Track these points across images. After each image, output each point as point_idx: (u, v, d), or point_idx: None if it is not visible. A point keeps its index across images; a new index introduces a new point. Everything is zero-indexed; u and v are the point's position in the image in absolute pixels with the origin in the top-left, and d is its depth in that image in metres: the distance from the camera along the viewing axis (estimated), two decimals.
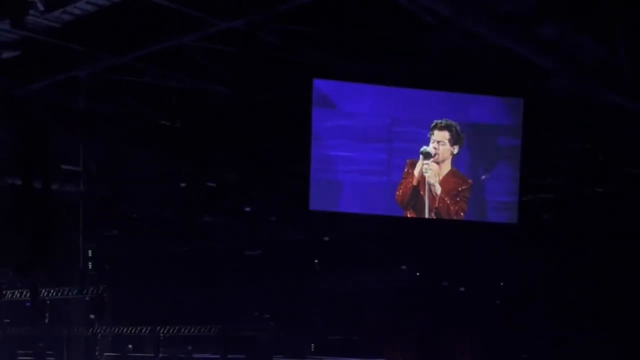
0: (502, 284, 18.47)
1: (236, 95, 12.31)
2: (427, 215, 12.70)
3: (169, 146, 13.39)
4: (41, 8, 9.52)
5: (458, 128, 12.53)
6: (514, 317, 18.31)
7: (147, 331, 22.65)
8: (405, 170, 12.67)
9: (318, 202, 12.48)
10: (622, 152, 13.12)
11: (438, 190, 12.68)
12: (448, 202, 12.70)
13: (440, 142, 12.54)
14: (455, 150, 12.58)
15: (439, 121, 12.51)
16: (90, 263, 19.87)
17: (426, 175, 12.67)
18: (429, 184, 12.67)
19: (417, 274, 19.35)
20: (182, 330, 22.36)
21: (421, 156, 12.60)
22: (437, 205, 12.68)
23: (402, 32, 10.47)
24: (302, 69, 11.37)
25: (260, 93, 12.24)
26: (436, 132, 12.51)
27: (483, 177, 12.75)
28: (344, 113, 12.31)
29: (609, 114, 11.81)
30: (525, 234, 14.65)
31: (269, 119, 13.08)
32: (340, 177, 12.55)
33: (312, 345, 22.11)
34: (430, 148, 12.55)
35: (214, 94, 12.35)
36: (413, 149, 12.59)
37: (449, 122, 12.52)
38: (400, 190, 12.67)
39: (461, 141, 12.55)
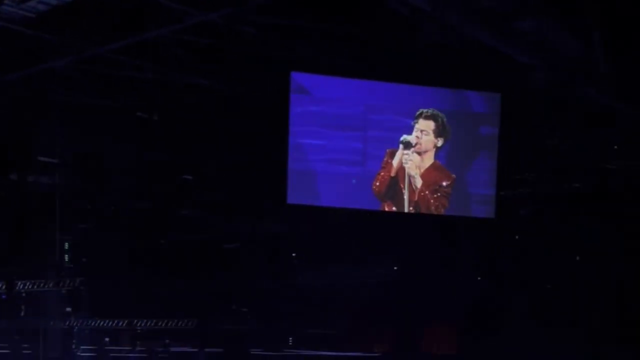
0: (479, 278, 18.52)
1: (213, 88, 12.26)
2: (406, 209, 12.29)
3: (146, 138, 13.33)
4: None
5: (444, 120, 12.11)
6: (490, 312, 18.35)
7: (124, 324, 22.50)
8: (385, 160, 12.21)
9: (296, 195, 12.11)
10: (598, 147, 13.19)
11: (419, 182, 12.24)
12: (428, 196, 12.31)
13: (423, 132, 12.10)
14: (440, 142, 12.16)
15: (425, 110, 12.09)
16: (66, 255, 19.77)
17: (406, 166, 12.20)
18: (409, 176, 12.23)
19: (395, 268, 19.35)
20: (160, 323, 22.22)
21: (401, 145, 12.11)
22: (416, 198, 12.27)
23: (381, 26, 10.46)
24: (280, 61, 11.33)
25: (237, 85, 12.19)
26: (421, 120, 12.06)
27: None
28: (316, 99, 11.88)
29: (586, 109, 11.87)
30: (503, 228, 14.71)
31: (247, 112, 13.04)
32: (312, 166, 12.11)
33: (290, 338, 22.06)
34: (411, 137, 12.07)
35: (191, 86, 12.30)
36: (393, 138, 12.13)
37: (435, 112, 12.10)
38: (378, 181, 12.22)
39: (447, 134, 12.15)
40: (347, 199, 12.33)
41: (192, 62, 11.52)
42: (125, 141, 13.55)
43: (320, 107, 11.88)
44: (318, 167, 12.08)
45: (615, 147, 13.02)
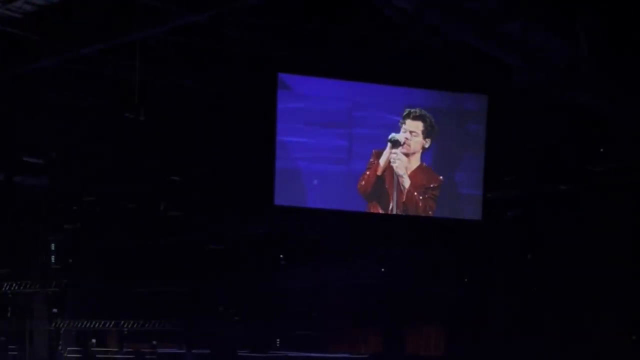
0: (465, 280, 18.56)
1: (200, 88, 12.26)
2: (394, 210, 12.00)
3: (133, 139, 13.32)
4: None
5: (432, 120, 11.82)
6: (478, 313, 18.41)
7: (111, 325, 22.50)
8: (371, 160, 11.90)
9: (283, 196, 11.79)
10: (584, 150, 13.24)
11: (407, 183, 11.92)
12: (417, 197, 12.02)
13: (413, 133, 11.82)
14: (427, 143, 11.87)
15: (413, 110, 11.77)
16: (53, 256, 19.74)
17: (394, 165, 11.88)
18: (397, 175, 11.92)
19: (382, 269, 19.40)
20: (147, 324, 22.23)
21: (389, 144, 11.81)
22: (404, 199, 11.98)
23: (367, 27, 10.48)
24: (267, 62, 11.33)
25: (224, 86, 12.19)
26: (409, 121, 11.77)
27: None
28: (300, 95, 11.52)
29: (572, 111, 11.90)
30: (489, 230, 14.74)
31: (234, 112, 13.04)
32: (296, 164, 11.75)
33: (278, 340, 22.08)
34: (400, 136, 11.78)
35: (178, 86, 12.29)
36: (379, 136, 11.81)
37: (424, 112, 11.79)
38: (364, 181, 11.91)
39: (434, 135, 11.86)
40: (333, 199, 12.03)
41: (178, 62, 11.52)
42: (112, 142, 13.53)
43: (304, 103, 11.56)
44: (302, 166, 11.77)
45: (601, 149, 13.08)
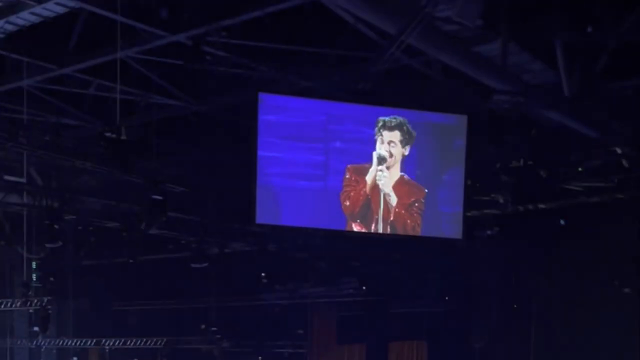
0: (447, 298, 18.61)
1: (181, 108, 12.30)
2: (380, 229, 11.60)
3: (114, 158, 13.30)
4: None
5: (409, 126, 11.43)
6: (458, 331, 18.46)
7: (93, 343, 22.43)
8: (347, 177, 11.42)
9: (264, 215, 11.50)
10: (563, 168, 13.33)
11: (394, 201, 11.56)
12: (404, 214, 11.63)
13: (391, 144, 11.41)
14: (406, 151, 11.51)
15: (387, 119, 11.36)
16: (34, 275, 19.68)
17: (380, 183, 11.46)
18: (384, 194, 11.54)
19: (364, 287, 19.42)
20: (128, 342, 22.18)
21: (375, 161, 11.38)
22: (392, 218, 11.62)
23: (347, 48, 10.56)
24: (248, 81, 11.37)
25: (205, 105, 12.23)
26: (385, 132, 11.36)
27: None
28: (273, 107, 11.08)
29: (550, 131, 11.99)
30: (469, 249, 14.80)
31: (215, 131, 13.07)
32: (271, 181, 11.31)
33: (260, 357, 22.05)
34: (383, 151, 11.35)
35: (160, 106, 12.33)
36: (353, 150, 11.37)
37: (399, 119, 11.38)
38: (348, 201, 11.47)
39: (412, 140, 11.46)
40: (312, 217, 11.68)
41: (159, 82, 11.56)
42: (93, 161, 13.53)
43: (277, 116, 11.15)
44: (276, 182, 11.37)
45: (580, 169, 13.18)
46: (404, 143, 11.46)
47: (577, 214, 14.66)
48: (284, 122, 11.16)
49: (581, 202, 14.06)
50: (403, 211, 11.65)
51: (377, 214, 11.63)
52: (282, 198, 11.45)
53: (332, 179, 11.48)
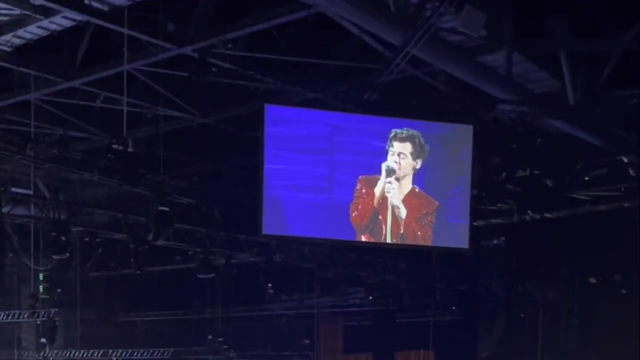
0: (453, 307, 18.61)
1: (188, 119, 12.35)
2: (389, 241, 11.41)
3: (121, 170, 13.36)
4: None
5: (421, 139, 11.21)
6: (465, 340, 18.45)
7: (100, 354, 22.43)
8: (358, 187, 11.21)
9: (271, 225, 11.26)
10: (568, 177, 13.34)
11: (403, 213, 11.29)
12: (415, 227, 11.38)
13: (401, 155, 11.17)
14: (418, 164, 11.26)
15: (399, 131, 11.15)
16: (41, 286, 19.71)
17: (388, 195, 11.19)
18: (393, 206, 11.28)
19: (370, 297, 19.42)
20: (135, 353, 22.17)
21: (384, 173, 11.14)
22: (402, 231, 11.36)
23: (352, 59, 10.60)
24: (254, 93, 11.42)
25: (211, 116, 12.28)
26: (396, 143, 11.14)
27: None
28: (278, 119, 10.89)
29: (555, 139, 12.01)
30: (476, 258, 14.80)
31: (222, 142, 13.12)
32: (275, 193, 11.08)
33: None
34: (392, 163, 11.11)
35: (166, 118, 12.39)
36: (361, 162, 11.14)
37: (411, 131, 11.16)
38: (356, 212, 11.22)
39: (424, 154, 11.23)
40: (316, 229, 11.48)
41: (166, 94, 11.61)
42: (100, 173, 13.58)
43: (282, 127, 10.94)
44: (281, 195, 11.14)
45: (586, 177, 13.19)
46: (414, 155, 11.26)
47: (583, 223, 14.65)
48: (288, 134, 10.99)
49: (587, 211, 14.06)
50: (413, 224, 11.42)
51: (386, 227, 11.39)
52: (287, 210, 11.25)
53: (339, 190, 11.27)
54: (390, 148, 11.16)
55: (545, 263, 16.89)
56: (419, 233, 11.51)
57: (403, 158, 11.21)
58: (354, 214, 11.30)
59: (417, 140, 11.21)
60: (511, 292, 17.77)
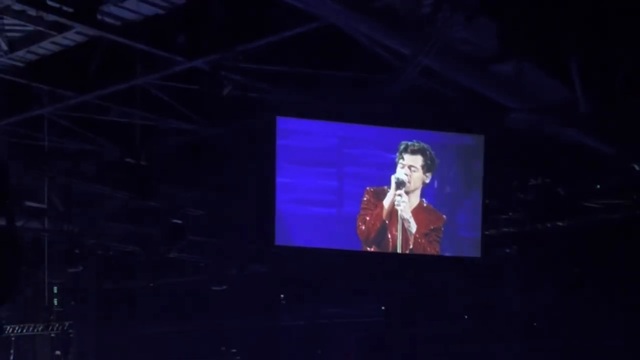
0: (465, 317, 18.58)
1: (200, 132, 12.40)
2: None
3: (134, 183, 13.44)
4: (5, 48, 9.63)
5: (432, 153, 11.10)
6: (479, 351, 18.40)
7: None
8: (366, 199, 11.02)
9: (283, 236, 11.20)
10: (580, 186, 13.33)
11: (413, 227, 11.07)
12: (424, 242, 11.16)
13: (412, 168, 11.02)
14: (428, 179, 11.12)
15: (410, 143, 11.05)
16: (55, 299, 19.81)
17: (399, 208, 10.98)
18: (403, 219, 11.05)
19: (383, 308, 19.42)
20: None
21: (393, 185, 10.97)
22: (411, 246, 11.14)
23: (362, 70, 10.62)
24: (265, 106, 11.45)
25: (223, 129, 12.32)
26: (407, 156, 11.01)
27: None
28: (286, 130, 10.88)
29: (567, 148, 12.01)
30: (489, 268, 14.76)
31: (233, 156, 13.16)
32: (282, 207, 10.93)
33: None
34: (402, 175, 10.94)
35: (178, 131, 12.44)
36: (371, 174, 10.97)
37: (422, 144, 11.08)
38: (364, 225, 11.03)
39: (435, 168, 11.11)
40: (326, 241, 11.28)
41: (178, 107, 11.67)
42: (113, 186, 13.67)
43: (290, 139, 10.85)
44: (289, 209, 10.98)
45: (598, 186, 13.18)
46: (425, 169, 11.09)
47: (596, 232, 14.61)
48: (296, 146, 10.91)
49: (600, 220, 14.03)
50: (422, 240, 11.23)
51: (396, 241, 11.18)
52: (295, 225, 11.14)
53: (348, 204, 11.09)
54: (401, 160, 11.01)
55: (557, 272, 16.84)
56: (428, 249, 11.33)
57: (414, 171, 11.06)
58: (361, 227, 11.10)
59: (428, 153, 11.08)
60: (523, 302, 17.73)
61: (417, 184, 11.11)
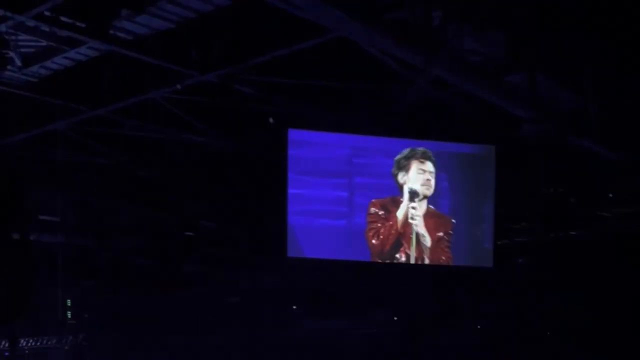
0: (478, 327, 18.54)
1: (211, 145, 12.44)
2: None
3: (147, 196, 13.50)
4: (19, 64, 9.69)
5: (439, 157, 11.11)
6: None
7: None
8: (372, 211, 10.88)
9: (295, 248, 11.28)
10: (593, 195, 13.31)
11: (428, 241, 10.93)
12: (439, 252, 10.99)
13: (424, 177, 11.05)
14: (438, 185, 11.15)
15: (417, 150, 10.99)
16: (69, 312, 19.83)
17: (413, 222, 10.80)
18: (418, 234, 10.86)
19: (395, 318, 19.41)
20: None
21: (407, 195, 10.80)
22: (427, 261, 10.99)
23: (374, 82, 10.64)
24: (277, 118, 11.49)
25: (235, 142, 12.36)
26: (416, 164, 11.01)
27: None
28: (297, 142, 10.84)
29: (579, 157, 12.00)
30: (501, 278, 14.75)
31: (245, 168, 13.19)
32: (293, 219, 10.87)
33: None
34: (417, 185, 10.81)
35: (190, 144, 12.49)
36: (379, 184, 10.88)
37: (427, 150, 11.03)
38: (376, 240, 10.88)
39: (444, 174, 11.09)
40: (337, 253, 11.20)
41: (189, 120, 11.72)
42: (126, 199, 13.73)
43: (300, 150, 10.81)
44: (300, 221, 10.93)
45: (610, 195, 13.15)
46: (435, 176, 11.05)
47: (610, 241, 14.57)
48: (306, 157, 10.86)
49: (612, 229, 14.00)
50: (438, 250, 11.07)
51: (410, 256, 10.98)
52: (306, 237, 11.08)
53: (358, 215, 10.97)
54: (411, 169, 10.93)
55: (571, 281, 16.80)
56: (442, 258, 11.25)
57: (426, 179, 11.01)
58: (373, 241, 10.98)
59: (433, 159, 11.02)
60: (535, 311, 17.69)
61: (428, 192, 11.04)
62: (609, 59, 10.01)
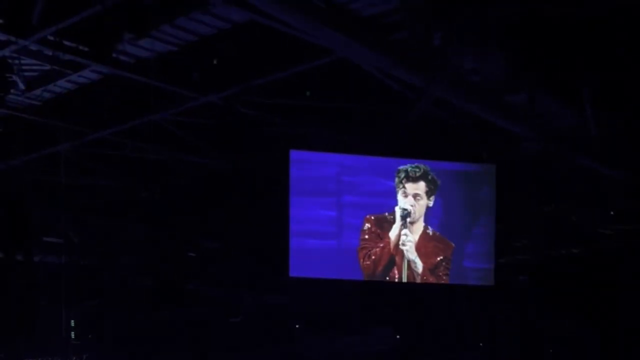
0: (480, 344, 18.51)
1: (214, 166, 12.48)
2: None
3: (149, 217, 13.55)
4: (22, 87, 9.76)
5: (433, 174, 10.70)
6: None
7: None
8: (367, 228, 10.56)
9: (298, 268, 11.13)
10: (594, 212, 13.33)
11: (420, 267, 10.61)
12: (432, 279, 10.68)
13: (417, 197, 10.65)
14: (431, 202, 10.71)
15: (410, 168, 10.64)
16: (73, 332, 19.83)
17: (404, 248, 10.53)
18: (409, 260, 10.58)
19: (397, 336, 19.38)
20: None
21: (399, 217, 10.46)
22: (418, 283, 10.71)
23: (373, 102, 10.68)
24: (279, 139, 11.53)
25: (237, 163, 12.41)
26: (409, 184, 10.61)
27: None
28: (297, 163, 10.71)
29: (580, 175, 12.04)
30: (502, 296, 14.73)
31: (247, 189, 13.23)
32: (294, 237, 10.69)
33: None
34: (408, 205, 10.44)
35: (192, 165, 12.53)
36: (370, 203, 10.57)
37: (422, 167, 10.68)
38: (369, 261, 10.61)
39: (437, 189, 10.67)
40: (332, 272, 10.97)
41: (192, 141, 11.77)
42: (129, 220, 13.77)
43: (299, 171, 10.64)
44: (299, 240, 10.78)
45: (612, 212, 13.17)
46: (429, 194, 10.72)
47: (610, 258, 14.58)
48: (299, 177, 10.69)
49: (613, 246, 14.01)
50: (431, 277, 10.79)
51: (402, 277, 10.70)
52: (302, 257, 10.94)
53: (347, 235, 10.73)
54: (402, 189, 10.64)
55: (572, 299, 16.79)
56: (434, 280, 10.98)
57: (419, 199, 10.72)
58: (365, 262, 10.72)
59: (429, 176, 10.70)
60: (538, 330, 17.66)
61: (421, 212, 10.72)
62: (609, 77, 10.05)
